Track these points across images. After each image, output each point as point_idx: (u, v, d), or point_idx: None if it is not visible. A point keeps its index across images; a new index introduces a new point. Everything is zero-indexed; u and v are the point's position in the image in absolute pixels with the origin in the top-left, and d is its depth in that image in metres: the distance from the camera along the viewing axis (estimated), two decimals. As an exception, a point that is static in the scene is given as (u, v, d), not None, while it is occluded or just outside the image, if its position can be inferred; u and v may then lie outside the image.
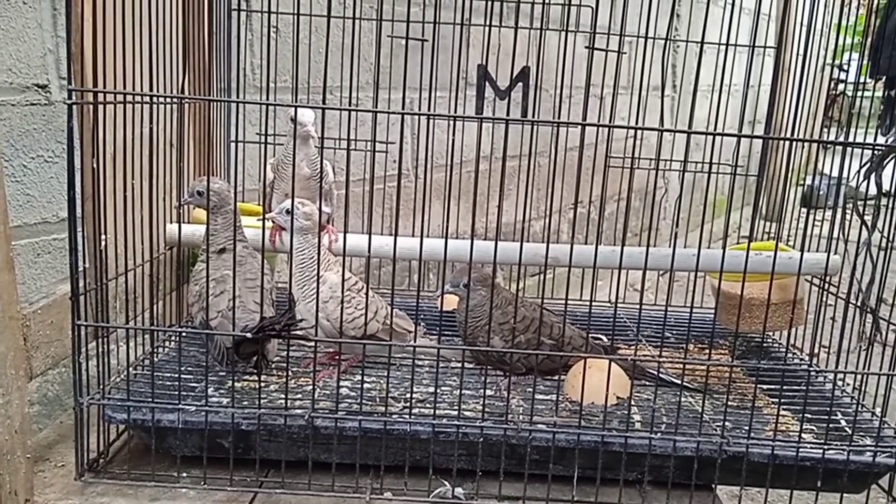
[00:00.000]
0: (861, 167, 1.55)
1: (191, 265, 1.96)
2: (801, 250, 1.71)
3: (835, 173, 1.75)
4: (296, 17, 1.54)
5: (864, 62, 1.76)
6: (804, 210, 2.05)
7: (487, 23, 1.49)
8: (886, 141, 1.59)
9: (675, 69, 4.53)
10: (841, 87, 2.65)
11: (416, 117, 2.16)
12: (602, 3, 1.80)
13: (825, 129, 2.13)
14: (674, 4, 1.76)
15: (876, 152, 1.50)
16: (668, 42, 1.54)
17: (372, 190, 1.52)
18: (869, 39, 1.70)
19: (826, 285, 1.84)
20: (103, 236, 1.53)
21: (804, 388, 1.70)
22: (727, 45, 1.74)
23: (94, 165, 1.48)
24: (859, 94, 1.78)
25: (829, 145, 1.57)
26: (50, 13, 1.71)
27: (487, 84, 1.50)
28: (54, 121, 1.74)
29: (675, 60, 4.48)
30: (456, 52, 1.53)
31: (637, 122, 1.75)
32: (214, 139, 2.18)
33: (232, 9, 2.13)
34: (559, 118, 1.52)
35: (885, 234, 1.58)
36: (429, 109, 1.59)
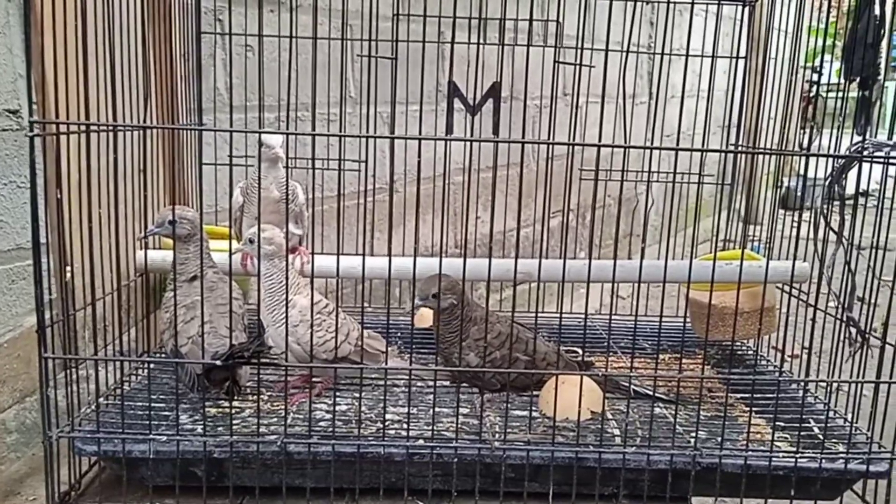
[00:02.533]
0: (825, 178, 1.55)
1: (162, 291, 1.95)
2: (767, 258, 1.71)
3: (810, 174, 1.75)
4: (259, 38, 1.53)
5: (839, 64, 1.76)
6: (783, 212, 2.05)
7: (452, 39, 1.49)
8: (849, 148, 1.59)
9: (651, 77, 4.55)
10: (816, 88, 2.67)
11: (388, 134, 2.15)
12: (571, 15, 1.80)
13: (802, 132, 2.13)
14: (634, 12, 1.76)
15: (837, 163, 1.51)
16: (629, 53, 1.55)
17: (342, 209, 1.52)
18: (839, 41, 1.70)
19: (797, 293, 1.84)
20: (68, 267, 1.52)
21: (776, 396, 1.71)
22: (688, 55, 1.75)
23: (59, 196, 1.47)
24: (833, 95, 1.79)
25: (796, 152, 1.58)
26: (20, 38, 1.70)
27: (458, 100, 1.51)
28: (26, 146, 1.72)
29: (651, 68, 4.49)
30: (427, 67, 1.53)
31: (613, 132, 1.76)
32: (185, 162, 2.17)
33: (201, 32, 2.13)
34: (531, 129, 1.52)
35: (850, 237, 1.58)
36: (394, 125, 1.60)
